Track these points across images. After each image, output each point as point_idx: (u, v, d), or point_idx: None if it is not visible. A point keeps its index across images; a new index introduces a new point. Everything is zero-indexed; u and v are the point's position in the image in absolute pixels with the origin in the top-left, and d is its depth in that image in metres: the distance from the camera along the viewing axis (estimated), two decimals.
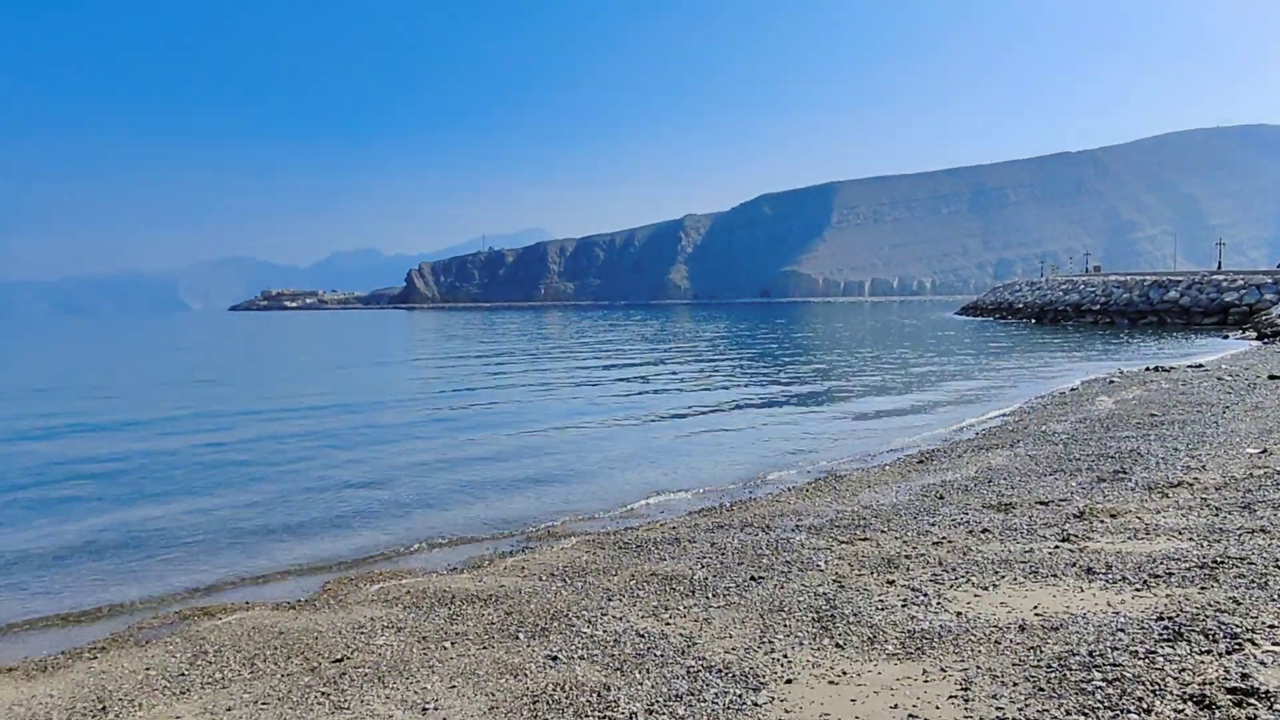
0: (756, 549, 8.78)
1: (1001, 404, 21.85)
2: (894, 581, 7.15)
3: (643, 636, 6.24)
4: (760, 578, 7.63)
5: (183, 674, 6.23)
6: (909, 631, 5.83)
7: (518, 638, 6.50)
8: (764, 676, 5.24)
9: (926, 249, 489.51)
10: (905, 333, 65.14)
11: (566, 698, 5.15)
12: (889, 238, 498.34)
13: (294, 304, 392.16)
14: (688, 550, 9.00)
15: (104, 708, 5.63)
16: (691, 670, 5.44)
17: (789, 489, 12.79)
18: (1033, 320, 72.80)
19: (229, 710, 5.42)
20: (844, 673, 5.18)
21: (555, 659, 5.92)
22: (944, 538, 8.62)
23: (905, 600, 6.58)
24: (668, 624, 6.54)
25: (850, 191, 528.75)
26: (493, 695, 5.31)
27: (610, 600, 7.32)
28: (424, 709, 5.20)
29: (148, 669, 6.40)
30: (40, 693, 6.04)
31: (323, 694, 5.58)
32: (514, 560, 9.31)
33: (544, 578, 8.35)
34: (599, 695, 5.12)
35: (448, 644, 6.47)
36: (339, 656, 6.33)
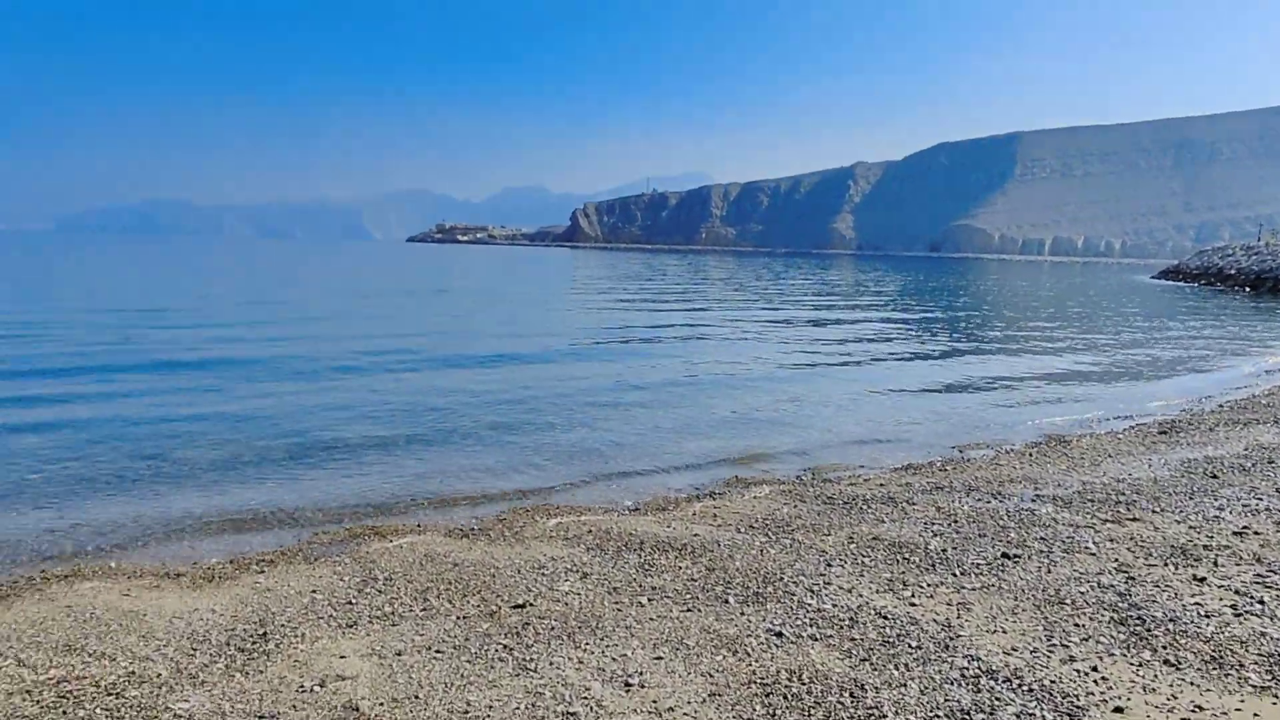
0: (996, 519, 7.34)
1: (1234, 374, 18.95)
2: (1204, 580, 5.59)
3: (886, 618, 5.03)
4: (1014, 555, 6.23)
5: (350, 602, 5.53)
6: (1268, 654, 4.34)
7: (726, 601, 5.42)
8: (1077, 698, 3.92)
9: (1119, 207, 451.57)
10: (1102, 294, 59.67)
11: (809, 693, 4.02)
12: (1076, 193, 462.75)
13: (465, 238, 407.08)
14: (908, 513, 7.67)
15: (265, 634, 4.97)
16: (967, 674, 4.19)
17: (1005, 451, 11.14)
18: (1247, 289, 65.03)
19: (398, 655, 4.62)
20: (1199, 708, 3.79)
21: (780, 635, 4.80)
22: (1246, 527, 6.89)
23: (1236, 608, 5.04)
24: (913, 604, 5.29)
25: (1036, 142, 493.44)
26: (711, 676, 4.25)
27: (830, 566, 6.13)
28: (626, 683, 4.21)
29: (314, 591, 5.75)
30: (203, 606, 5.48)
31: (504, 647, 4.70)
32: (703, 506, 8.25)
33: (742, 529, 7.25)
34: (852, 696, 3.96)
35: (643, 600, 5.48)
36: (520, 601, 5.45)
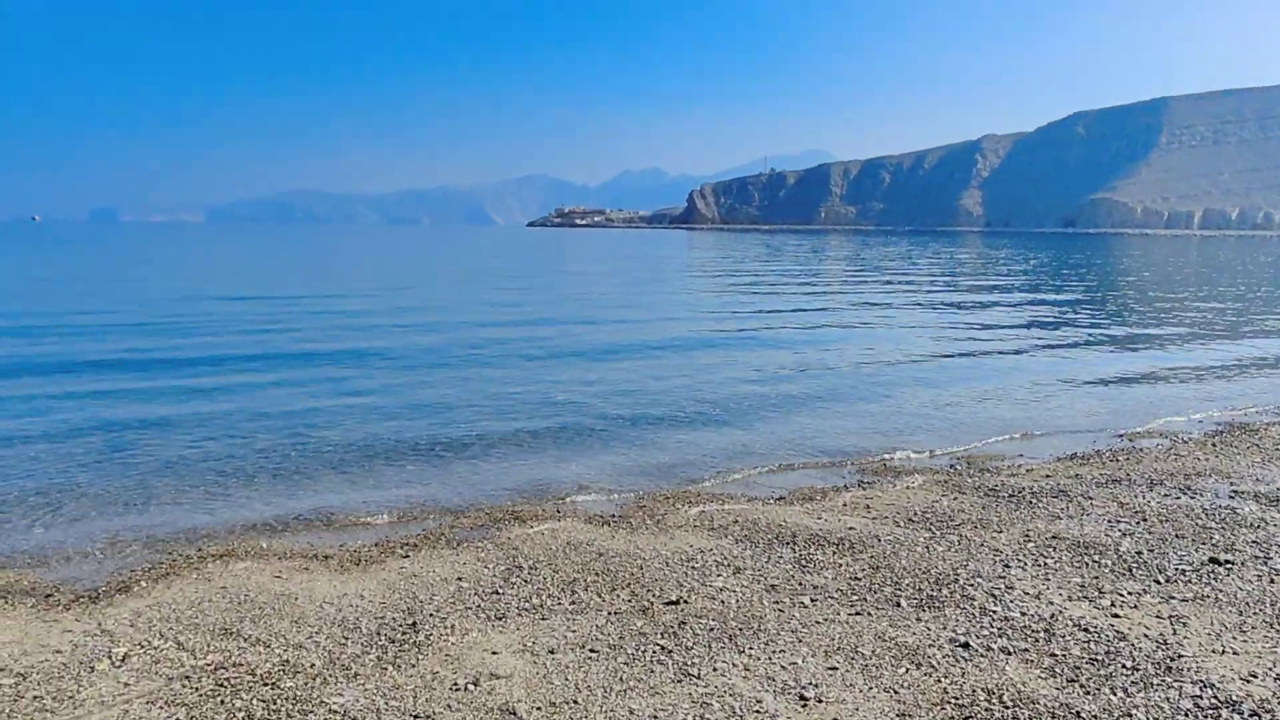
0: (1193, 517, 6.57)
1: None
2: None
3: (1087, 631, 4.46)
4: (1225, 561, 5.51)
5: (497, 591, 5.35)
6: None
7: (898, 604, 4.95)
8: None
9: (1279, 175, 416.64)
10: (1265, 271, 54.92)
11: (1015, 719, 3.53)
12: (1231, 162, 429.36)
13: (583, 221, 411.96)
14: (1086, 509, 6.97)
15: (414, 624, 4.82)
16: (1203, 706, 3.62)
17: (1182, 440, 10.13)
18: None
19: (551, 654, 4.37)
20: None
21: (966, 646, 4.32)
22: None
23: None
24: (1115, 615, 4.69)
25: (1185, 108, 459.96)
26: (896, 693, 3.82)
27: (1009, 567, 5.56)
28: (801, 696, 3.82)
29: (459, 579, 5.60)
30: (352, 591, 5.41)
31: (663, 649, 4.39)
32: (853, 496, 7.75)
33: (901, 523, 6.73)
34: None
35: (806, 600, 5.07)
36: (673, 598, 5.14)
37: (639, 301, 27.35)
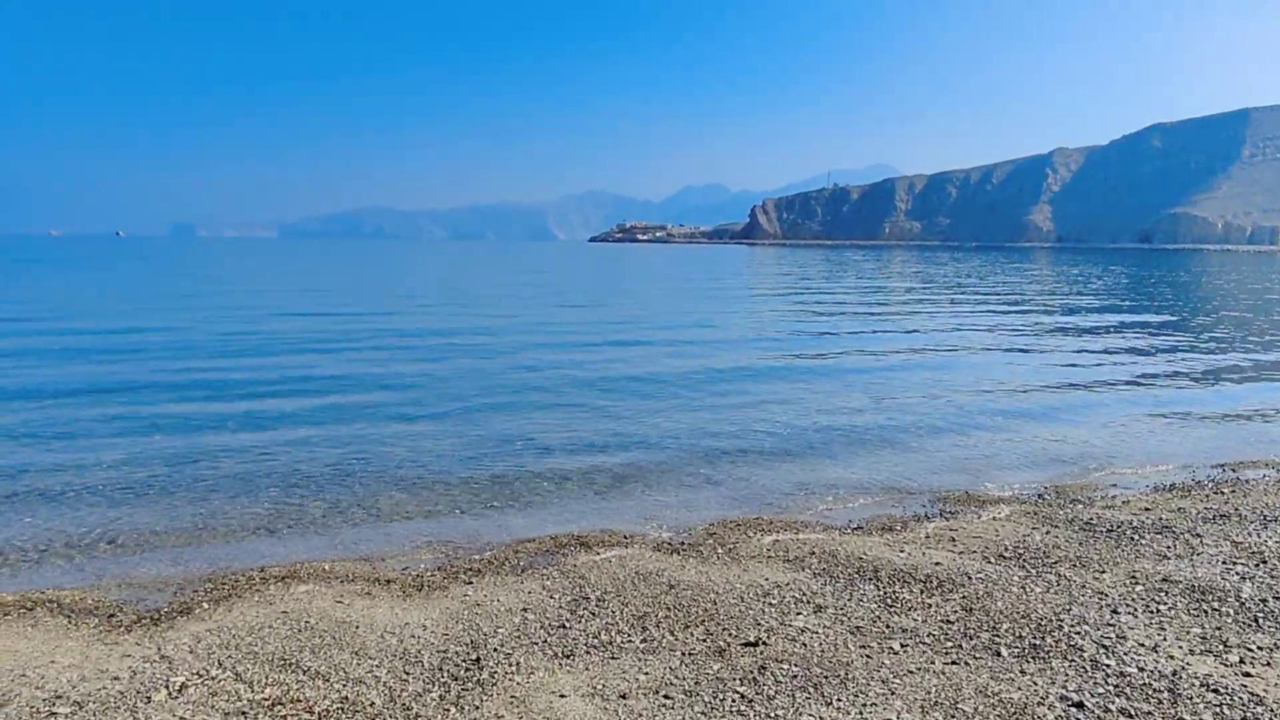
0: None
1: None
2: None
3: (1218, 693, 4.01)
4: None
5: (563, 625, 5.09)
6: None
7: (998, 653, 4.55)
8: None
9: None
10: None
11: None
12: None
13: (645, 237, 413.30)
14: (1195, 547, 6.44)
15: (478, 659, 4.58)
16: None
17: None
18: None
19: (624, 700, 4.08)
20: None
21: (1080, 706, 3.91)
22: None
23: None
24: (1247, 674, 4.22)
25: (1267, 119, 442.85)
26: None
27: (1117, 613, 5.10)
28: None
29: (524, 609, 5.36)
30: (414, 621, 5.20)
31: (742, 698, 4.07)
32: (936, 527, 7.32)
33: (991, 559, 6.30)
34: None
35: (895, 645, 4.70)
36: (751, 638, 4.81)
37: (703, 322, 27.03)
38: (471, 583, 5.99)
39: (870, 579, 5.85)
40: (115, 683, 4.34)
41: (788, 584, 5.80)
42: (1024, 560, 6.24)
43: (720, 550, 6.69)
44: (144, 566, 6.38)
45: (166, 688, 4.24)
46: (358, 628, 5.08)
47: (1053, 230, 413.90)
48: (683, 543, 6.95)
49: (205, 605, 5.55)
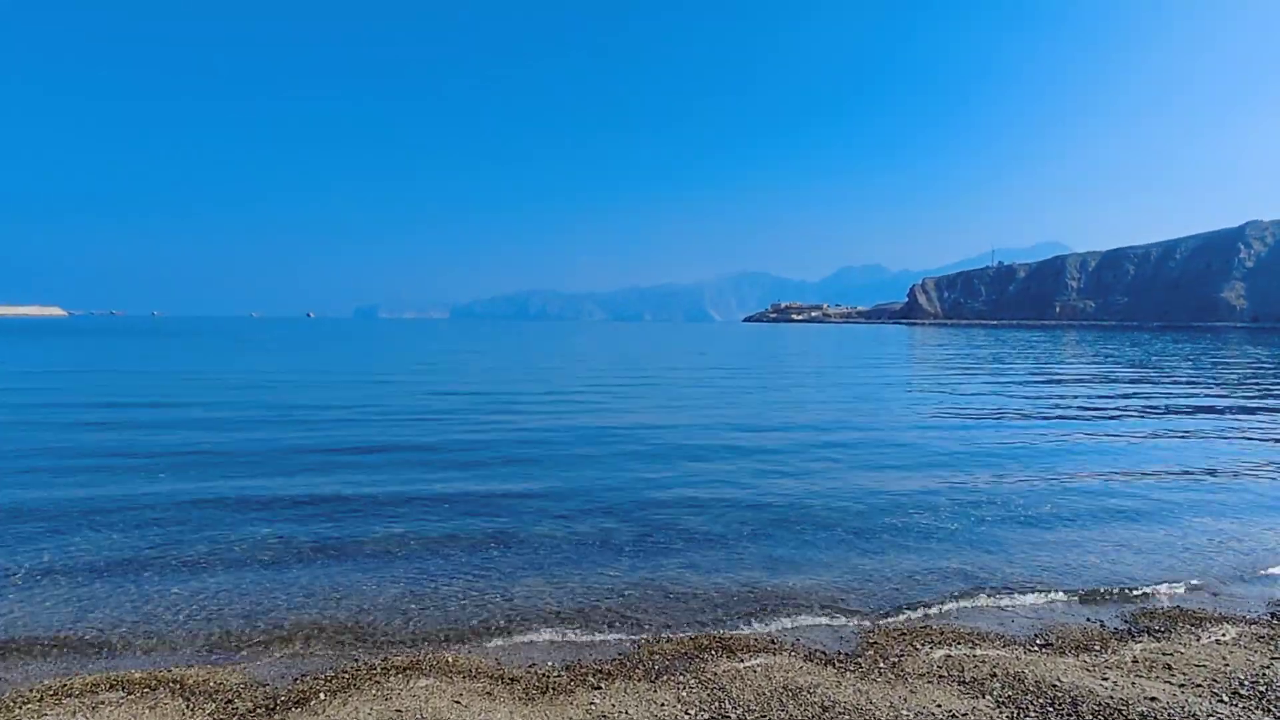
0: None
1: None
2: None
3: None
4: None
5: None
6: None
7: None
8: None
9: None
10: None
11: None
12: None
13: (800, 316, 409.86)
14: None
15: None
16: None
17: None
18: None
19: None
20: None
21: None
22: None
23: None
24: None
25: None
26: None
27: None
28: None
29: None
30: None
31: None
32: (1144, 649, 6.18)
33: (1225, 698, 5.16)
34: None
35: None
36: None
37: (861, 400, 25.84)
38: (600, 688, 5.43)
39: (1069, 715, 4.87)
40: None
41: (965, 714, 4.91)
42: (1269, 703, 5.07)
43: (882, 664, 5.85)
44: (272, 647, 6.18)
45: None
46: None
47: (1246, 308, 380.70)
48: (839, 652, 6.15)
49: (323, 696, 5.25)
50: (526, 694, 5.32)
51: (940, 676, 5.59)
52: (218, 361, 42.54)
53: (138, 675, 5.54)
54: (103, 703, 5.06)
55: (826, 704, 5.04)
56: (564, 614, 6.98)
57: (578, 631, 6.63)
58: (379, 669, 5.73)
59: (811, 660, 5.96)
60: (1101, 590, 7.77)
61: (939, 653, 6.09)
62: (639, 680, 5.55)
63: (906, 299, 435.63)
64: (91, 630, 6.39)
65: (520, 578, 7.84)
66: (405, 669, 5.73)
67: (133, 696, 5.19)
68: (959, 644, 6.32)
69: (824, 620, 6.95)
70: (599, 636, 6.54)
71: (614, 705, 5.08)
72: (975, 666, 5.74)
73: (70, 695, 5.17)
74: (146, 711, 4.96)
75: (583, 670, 5.76)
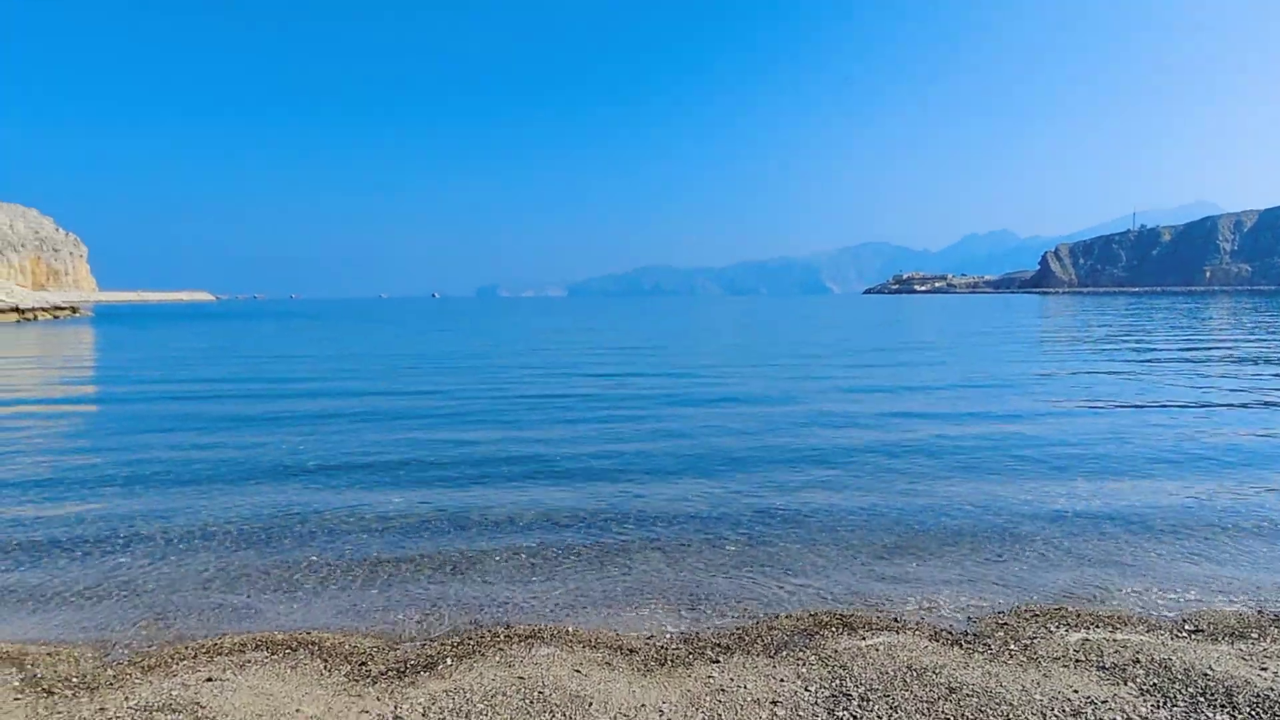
0: None
1: None
2: None
3: None
4: None
5: None
6: None
7: None
8: None
9: None
10: None
11: None
12: None
13: (923, 288, 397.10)
14: None
15: None
16: None
17: None
18: None
19: None
20: None
21: None
22: None
23: None
24: None
25: None
26: None
27: None
28: None
29: (774, 703, 4.68)
30: (650, 702, 4.70)
31: None
32: None
33: None
34: None
35: None
36: None
37: (996, 371, 24.83)
38: (718, 661, 5.40)
39: (1223, 707, 4.54)
40: None
41: (1105, 701, 4.64)
42: None
43: (1013, 646, 5.60)
44: (402, 612, 6.43)
45: None
46: (591, 705, 4.66)
47: None
48: (965, 633, 5.92)
49: (449, 661, 5.42)
50: (645, 665, 5.35)
51: (1077, 661, 5.31)
52: (398, 342, 44.53)
53: (280, 636, 5.86)
54: (250, 661, 5.37)
55: (953, 685, 4.86)
56: (682, 587, 6.99)
57: (695, 605, 6.62)
58: (502, 636, 5.87)
59: (937, 640, 5.77)
60: (1259, 577, 7.22)
61: (1075, 636, 5.79)
62: (757, 655, 5.50)
63: (1039, 267, 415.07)
64: (238, 593, 6.80)
65: (638, 550, 7.90)
66: (527, 637, 5.86)
67: (276, 656, 5.49)
68: (1097, 627, 5.98)
69: (950, 599, 6.71)
70: (716, 610, 6.52)
71: (732, 679, 5.05)
72: (1116, 651, 5.43)
73: (221, 653, 5.52)
74: (289, 671, 5.24)
75: (700, 643, 5.75)
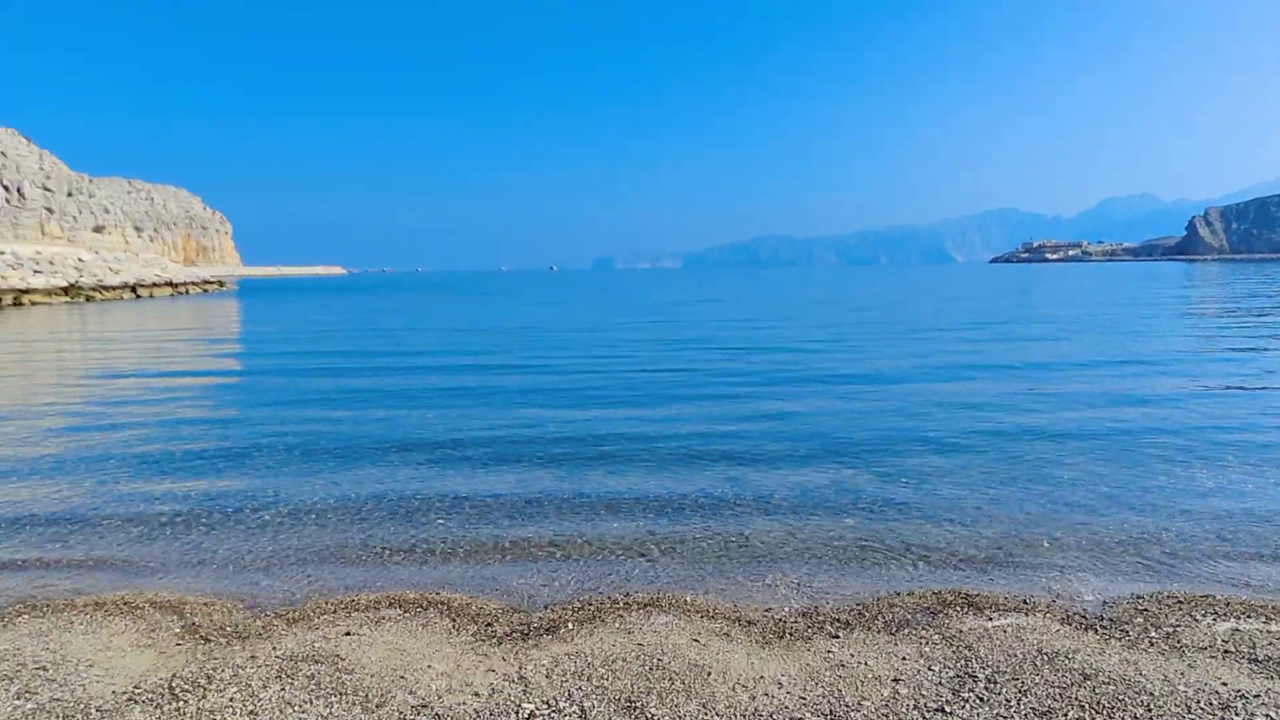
0: None
1: None
2: None
3: None
4: None
5: (942, 709, 4.25)
6: None
7: None
8: None
9: None
10: None
11: None
12: None
13: (1055, 256, 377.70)
14: None
15: None
16: None
17: None
18: None
19: None
20: None
21: None
22: None
23: None
24: None
25: None
26: None
27: None
28: None
29: (896, 680, 4.60)
30: (769, 675, 4.70)
31: None
32: None
33: None
34: None
35: None
36: None
37: (1136, 347, 23.50)
38: (838, 636, 5.35)
39: None
40: (475, 699, 4.39)
41: (1257, 696, 4.36)
42: None
43: (1154, 634, 5.32)
44: (524, 577, 6.62)
45: (516, 715, 4.17)
46: (709, 674, 4.69)
47: None
48: (1100, 617, 5.66)
49: (571, 625, 5.55)
50: (763, 637, 5.34)
51: (1226, 652, 5.00)
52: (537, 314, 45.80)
53: (412, 596, 6.14)
54: (384, 618, 5.65)
55: (1088, 672, 4.66)
56: (800, 560, 6.94)
57: (813, 579, 6.56)
58: (621, 604, 5.97)
59: (1069, 624, 5.54)
60: None
61: (1224, 625, 5.45)
62: (878, 631, 5.41)
63: (1185, 232, 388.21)
64: (374, 554, 7.15)
65: (755, 521, 7.88)
66: (645, 605, 5.94)
67: (408, 614, 5.75)
68: (1250, 617, 5.61)
69: (1083, 582, 6.42)
70: (835, 585, 6.44)
71: (853, 655, 4.99)
72: (1270, 643, 5.09)
73: (358, 610, 5.82)
74: (420, 628, 5.49)
75: (820, 618, 5.70)
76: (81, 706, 4.42)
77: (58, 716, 4.31)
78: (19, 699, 4.51)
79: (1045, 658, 4.89)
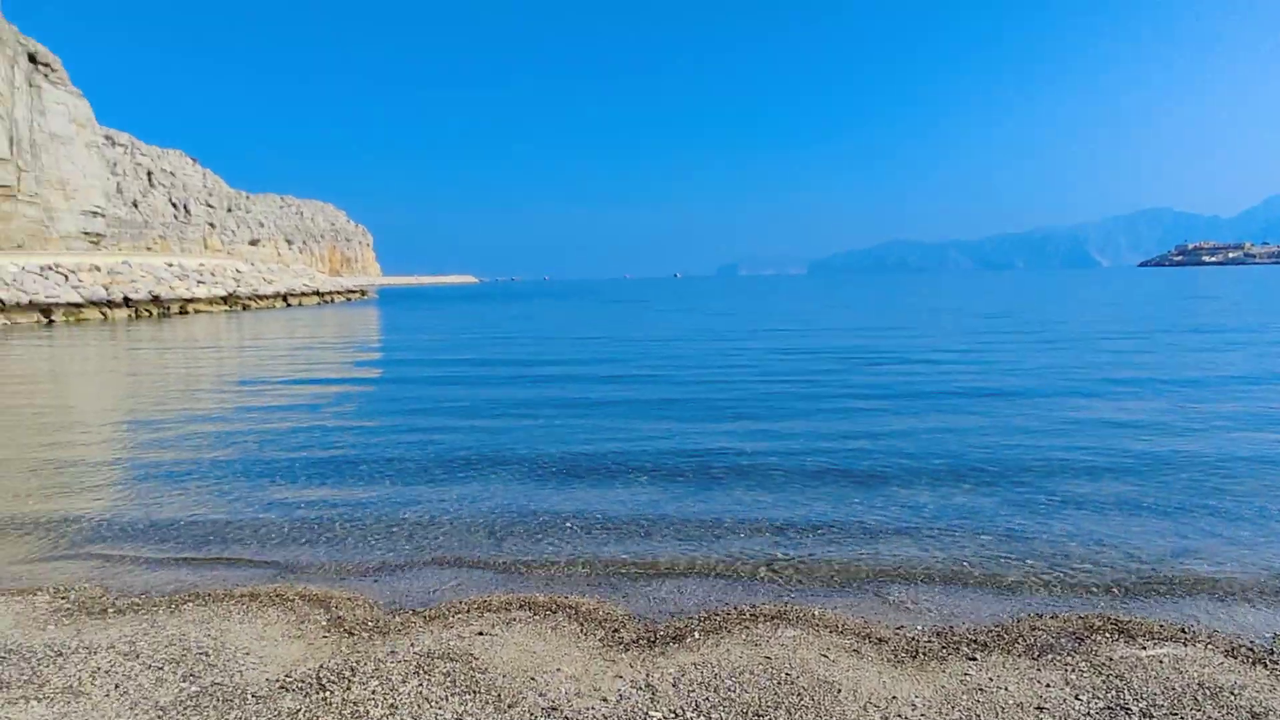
0: None
1: None
2: None
3: None
4: None
5: None
6: None
7: None
8: None
9: None
10: None
11: None
12: None
13: (1212, 259, 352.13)
14: None
15: None
16: None
17: None
18: None
19: None
20: None
21: None
22: None
23: None
24: None
25: None
26: None
27: None
28: None
29: (1040, 709, 4.38)
30: (902, 695, 4.56)
31: None
32: None
33: None
34: None
35: None
36: None
37: None
38: (975, 659, 5.14)
39: None
40: (603, 704, 4.44)
41: None
42: None
43: None
44: (650, 585, 6.66)
45: None
46: (839, 692, 4.60)
47: None
48: (1271, 651, 5.23)
49: (697, 635, 5.55)
50: (895, 656, 5.19)
51: None
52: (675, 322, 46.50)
53: (541, 599, 6.27)
54: (515, 619, 5.80)
55: (1256, 710, 4.31)
56: (933, 577, 6.71)
57: (947, 597, 6.33)
58: (748, 615, 5.92)
59: (1234, 656, 5.14)
60: None
61: None
62: (1019, 655, 5.17)
63: None
64: (504, 557, 7.35)
65: (886, 536, 7.67)
66: (772, 617, 5.87)
67: (537, 616, 5.88)
68: None
69: (1250, 612, 5.95)
70: (972, 604, 6.19)
71: (991, 679, 4.78)
72: None
73: (490, 610, 6.00)
74: (549, 631, 5.60)
75: (955, 638, 5.49)
76: (239, 692, 4.72)
77: (219, 700, 4.62)
78: (184, 681, 4.86)
79: (1208, 693, 4.55)
